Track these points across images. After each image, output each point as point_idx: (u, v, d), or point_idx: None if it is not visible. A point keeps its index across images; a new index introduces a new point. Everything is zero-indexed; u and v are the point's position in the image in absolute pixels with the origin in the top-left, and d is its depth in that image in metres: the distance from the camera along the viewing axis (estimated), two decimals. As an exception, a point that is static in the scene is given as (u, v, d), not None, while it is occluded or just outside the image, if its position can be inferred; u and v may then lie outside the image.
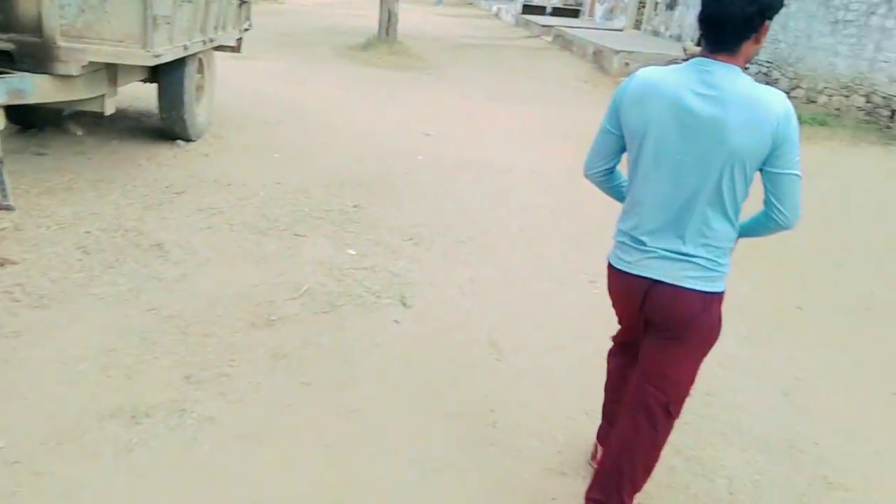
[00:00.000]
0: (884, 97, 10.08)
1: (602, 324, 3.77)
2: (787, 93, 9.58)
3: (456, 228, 5.05)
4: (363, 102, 9.57)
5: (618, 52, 13.81)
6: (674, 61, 11.09)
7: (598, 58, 15.24)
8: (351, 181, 5.87)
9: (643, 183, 2.04)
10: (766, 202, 1.99)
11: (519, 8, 27.93)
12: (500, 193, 6.03)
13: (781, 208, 1.96)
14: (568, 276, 4.44)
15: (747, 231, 2.10)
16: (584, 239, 5.09)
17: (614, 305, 2.32)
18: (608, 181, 2.25)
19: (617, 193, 2.26)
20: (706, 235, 1.98)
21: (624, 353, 2.45)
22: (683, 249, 2.00)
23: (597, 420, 2.65)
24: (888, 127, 9.90)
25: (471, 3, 45.27)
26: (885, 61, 10.09)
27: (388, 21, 14.71)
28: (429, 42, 18.30)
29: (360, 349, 3.32)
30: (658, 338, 2.12)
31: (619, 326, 2.47)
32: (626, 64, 13.66)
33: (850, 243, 5.47)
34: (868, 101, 10.40)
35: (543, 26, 22.55)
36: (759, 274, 4.57)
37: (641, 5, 21.06)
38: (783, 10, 10.30)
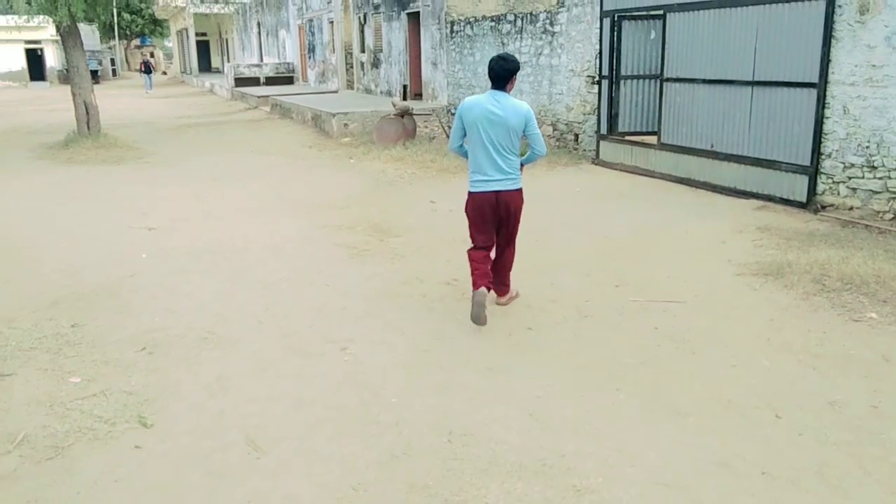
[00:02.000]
0: (566, 124, 11.60)
1: (358, 390, 3.80)
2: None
3: (195, 325, 4.79)
4: (71, 206, 8.75)
5: (335, 114, 14.25)
6: (394, 112, 11.72)
7: (318, 122, 15.59)
8: (65, 298, 5.30)
9: (476, 148, 4.51)
10: (530, 147, 4.59)
11: (232, 81, 27.66)
12: (237, 277, 5.85)
13: (536, 147, 4.57)
14: (318, 348, 4.41)
15: (526, 161, 4.68)
16: (327, 306, 5.11)
17: (473, 218, 4.67)
18: (461, 150, 4.70)
19: (466, 156, 4.68)
20: (509, 164, 4.51)
21: (479, 251, 4.71)
22: (501, 173, 4.50)
23: (365, 490, 2.63)
24: (575, 149, 11.38)
25: (183, 82, 43.87)
26: (560, 94, 11.64)
27: (87, 114, 13.70)
28: (141, 128, 17.35)
29: (98, 492, 2.97)
30: (505, 224, 4.68)
31: (470, 244, 4.78)
32: (346, 125, 14.13)
33: (558, 260, 6.14)
34: (555, 129, 11.88)
35: (260, 97, 22.59)
36: (492, 305, 4.92)
37: (349, 66, 22.03)
38: (471, 59, 11.45)
